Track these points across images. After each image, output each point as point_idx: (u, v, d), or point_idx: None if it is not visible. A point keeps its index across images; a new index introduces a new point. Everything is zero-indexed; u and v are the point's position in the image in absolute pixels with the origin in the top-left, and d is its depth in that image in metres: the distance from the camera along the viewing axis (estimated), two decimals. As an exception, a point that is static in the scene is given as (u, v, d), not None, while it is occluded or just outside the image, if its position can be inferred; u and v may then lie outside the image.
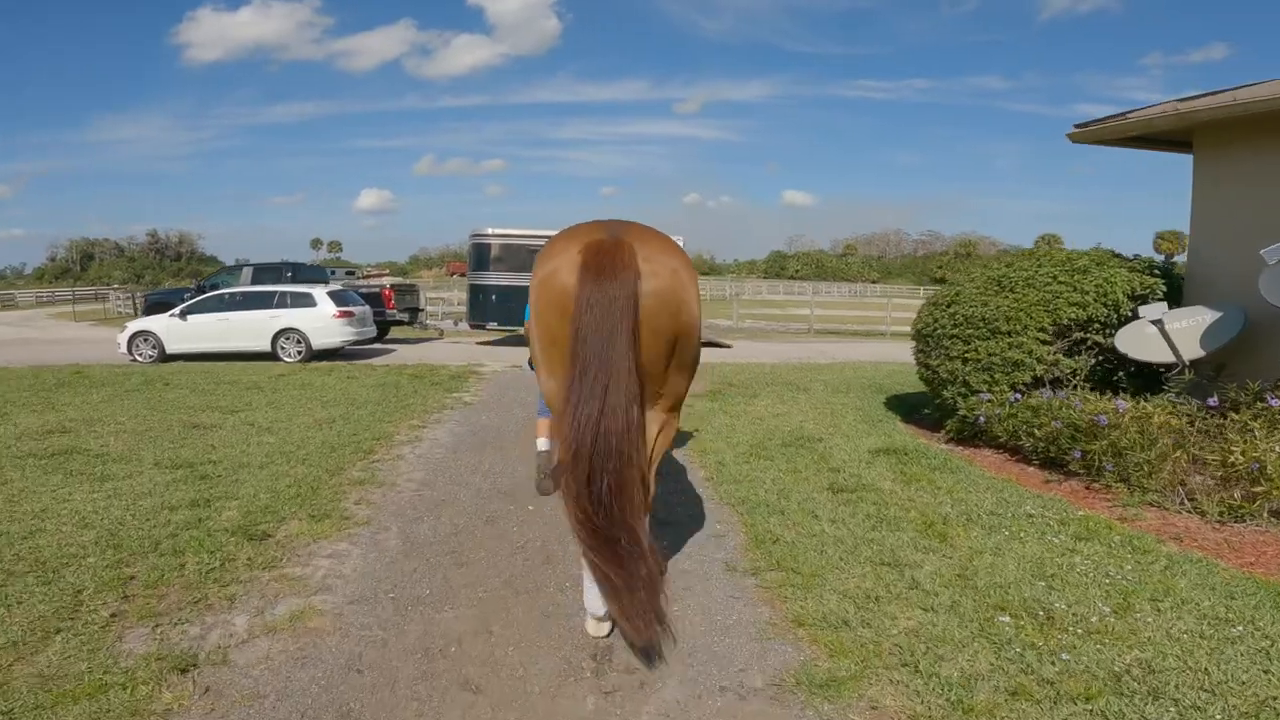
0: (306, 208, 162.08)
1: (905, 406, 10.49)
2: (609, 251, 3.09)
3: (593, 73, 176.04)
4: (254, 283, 18.08)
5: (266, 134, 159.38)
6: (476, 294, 18.36)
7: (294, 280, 18.32)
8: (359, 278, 25.09)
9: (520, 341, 18.89)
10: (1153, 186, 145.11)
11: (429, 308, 24.76)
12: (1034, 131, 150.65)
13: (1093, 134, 8.67)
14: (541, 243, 17.67)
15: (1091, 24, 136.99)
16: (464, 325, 19.42)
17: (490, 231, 18.13)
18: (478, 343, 19.50)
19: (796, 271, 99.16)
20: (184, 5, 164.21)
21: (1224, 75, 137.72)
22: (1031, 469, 7.01)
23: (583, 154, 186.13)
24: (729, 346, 19.01)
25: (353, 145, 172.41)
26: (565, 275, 3.14)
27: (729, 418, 9.45)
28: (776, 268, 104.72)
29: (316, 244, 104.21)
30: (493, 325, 18.40)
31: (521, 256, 18.00)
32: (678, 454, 7.54)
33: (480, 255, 18.19)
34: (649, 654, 3.39)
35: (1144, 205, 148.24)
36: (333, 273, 29.43)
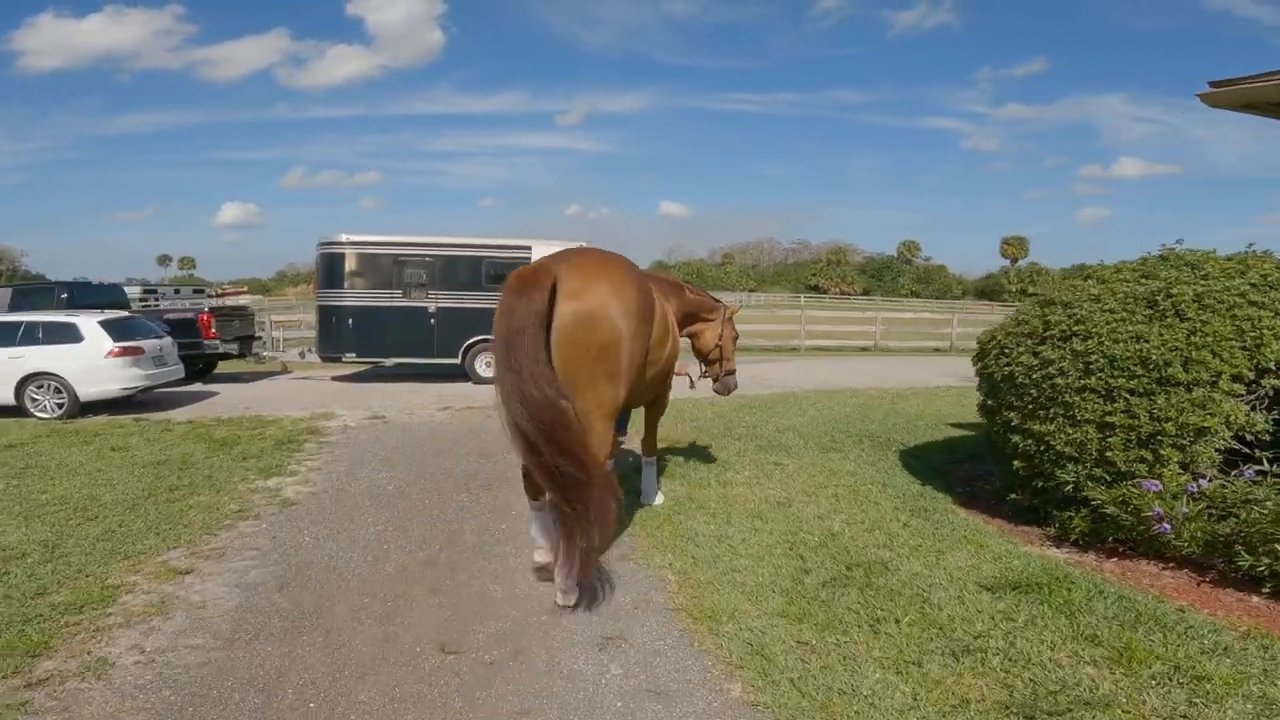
0: (157, 223, 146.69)
1: (930, 470, 7.40)
2: (527, 276, 3.90)
3: (473, 84, 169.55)
4: (13, 308, 13.03)
5: (113, 146, 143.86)
6: (328, 317, 14.06)
7: (72, 304, 13.35)
8: (210, 296, 19.98)
9: (384, 376, 14.69)
10: (996, 194, 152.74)
11: (279, 333, 19.95)
12: (887, 142, 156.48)
13: (1241, 94, 5.76)
14: (411, 251, 13.61)
15: (934, 40, 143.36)
16: (315, 355, 14.95)
17: (345, 239, 13.89)
18: (333, 378, 15.15)
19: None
20: (24, 11, 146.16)
21: (1043, 87, 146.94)
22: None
23: (462, 166, 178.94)
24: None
25: (214, 157, 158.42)
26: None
27: (707, 516, 5.97)
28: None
29: (164, 260, 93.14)
30: (350, 357, 14.13)
31: (385, 269, 13.87)
32: (661, 627, 3.92)
33: (331, 269, 13.92)
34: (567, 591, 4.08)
35: (987, 212, 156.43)
36: (176, 291, 24.00)
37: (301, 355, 14.85)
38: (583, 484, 3.73)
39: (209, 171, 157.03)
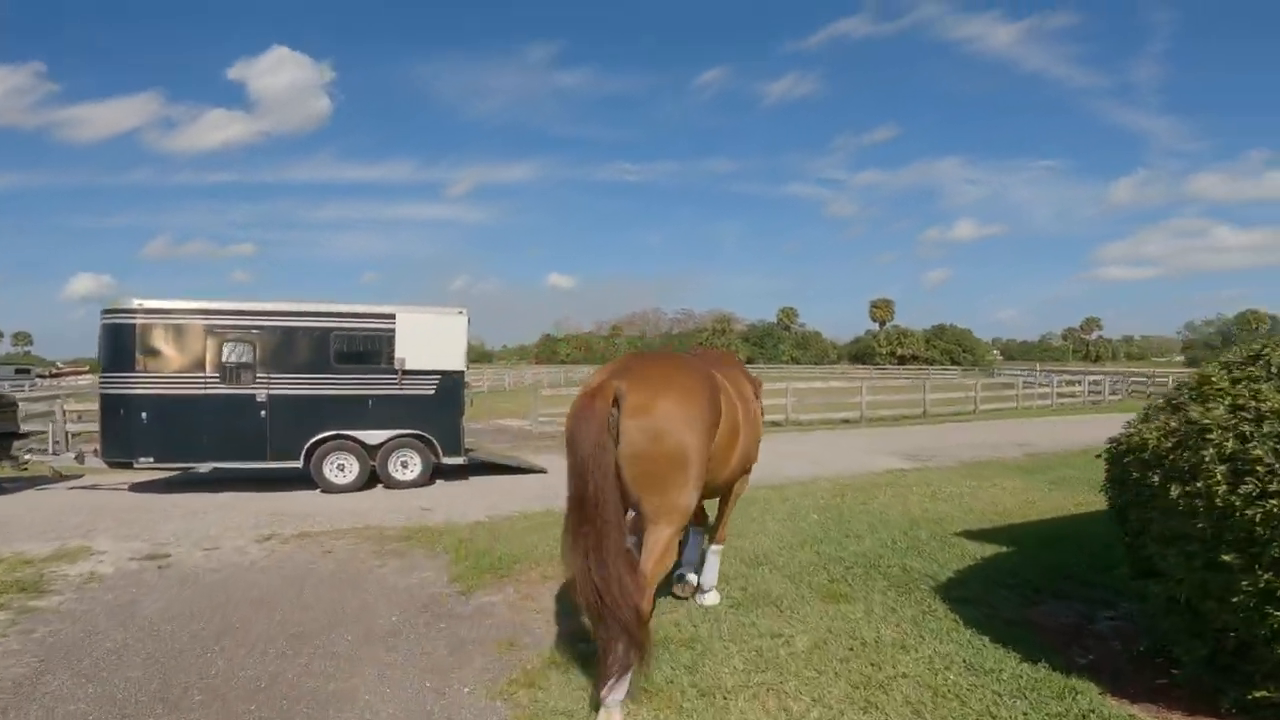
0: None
1: (1002, 622, 4.58)
2: (588, 396, 3.74)
3: (359, 152, 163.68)
4: None
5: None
6: (114, 409, 10.13)
7: None
8: (41, 377, 15.09)
9: (202, 484, 10.72)
10: (856, 258, 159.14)
11: (75, 425, 15.41)
12: (758, 209, 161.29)
13: None
14: (233, 321, 9.25)
15: (800, 109, 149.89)
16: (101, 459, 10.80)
17: (137, 305, 10.14)
18: (132, 486, 11.07)
19: (568, 355, 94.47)
20: None
21: (891, 153, 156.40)
22: None
23: (344, 238, 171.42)
24: (540, 471, 12.30)
25: (64, 223, 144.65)
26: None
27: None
28: (549, 351, 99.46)
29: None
30: (145, 461, 10.18)
31: (196, 345, 10.18)
32: None
33: (118, 345, 10.10)
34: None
35: (851, 277, 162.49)
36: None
37: (79, 458, 10.77)
38: (631, 633, 3.52)
39: (57, 240, 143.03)
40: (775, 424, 20.98)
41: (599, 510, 3.55)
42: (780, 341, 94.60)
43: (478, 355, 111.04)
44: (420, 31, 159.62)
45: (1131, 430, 4.00)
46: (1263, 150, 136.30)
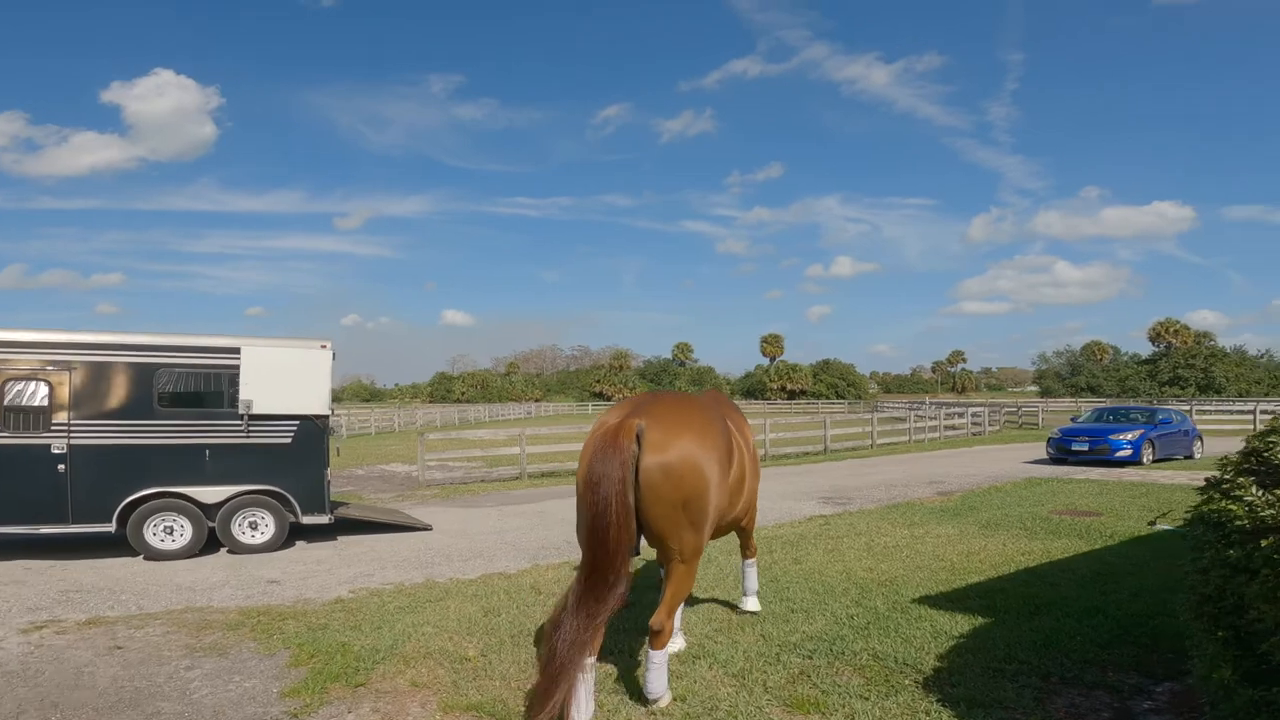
0: None
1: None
2: (610, 434, 3.70)
3: (243, 181, 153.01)
4: None
5: None
6: None
7: None
8: None
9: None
10: (747, 295, 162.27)
11: None
12: (653, 246, 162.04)
13: None
14: (23, 355, 7.64)
15: (695, 146, 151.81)
16: None
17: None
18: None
19: (463, 394, 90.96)
20: None
21: (778, 191, 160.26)
22: None
23: (225, 270, 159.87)
24: (424, 528, 10.43)
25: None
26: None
27: None
28: (443, 390, 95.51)
29: None
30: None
31: (27, 385, 7.87)
32: None
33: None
34: None
35: (742, 313, 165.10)
36: None
37: None
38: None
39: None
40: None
41: (618, 550, 3.51)
42: (676, 377, 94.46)
43: (369, 394, 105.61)
44: (316, 60, 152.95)
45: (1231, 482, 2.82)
46: (1097, 187, 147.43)
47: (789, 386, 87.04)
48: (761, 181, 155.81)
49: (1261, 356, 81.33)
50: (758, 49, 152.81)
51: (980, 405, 36.68)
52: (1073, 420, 21.76)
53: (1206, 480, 3.24)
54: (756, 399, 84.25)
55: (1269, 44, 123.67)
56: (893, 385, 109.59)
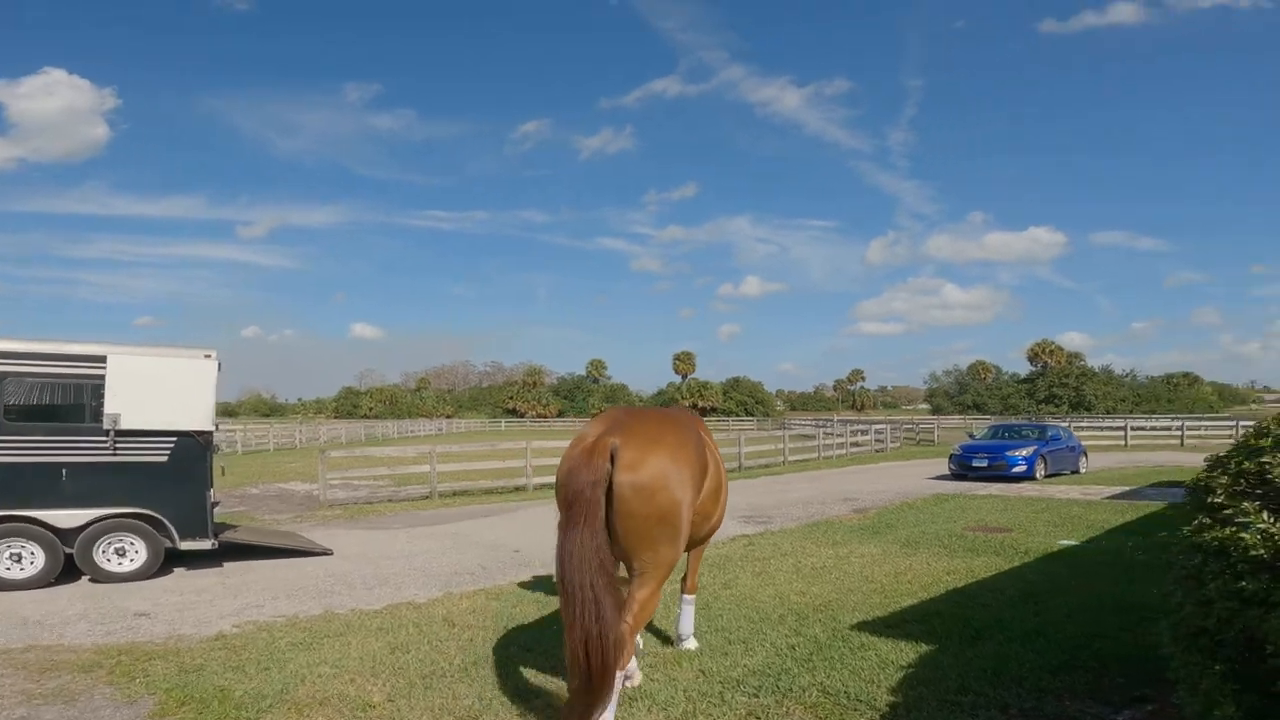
0: None
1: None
2: (587, 450, 3.72)
3: (137, 185, 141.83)
4: None
5: None
6: None
7: None
8: None
9: None
10: (661, 312, 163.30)
11: None
12: (569, 262, 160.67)
13: None
14: None
15: (614, 163, 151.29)
16: None
17: None
18: None
19: (371, 409, 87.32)
20: None
21: (693, 210, 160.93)
22: None
23: (113, 277, 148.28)
24: (325, 553, 9.48)
25: None
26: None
27: None
28: (349, 405, 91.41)
29: None
30: None
31: None
32: None
33: None
34: None
35: (656, 331, 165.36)
36: None
37: None
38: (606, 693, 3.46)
39: None
40: (596, 480, 19.17)
41: (589, 564, 3.49)
42: (589, 394, 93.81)
43: (268, 409, 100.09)
44: (227, 65, 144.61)
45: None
46: (983, 212, 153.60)
47: (700, 404, 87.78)
48: (677, 200, 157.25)
49: (1126, 376, 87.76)
50: (679, 69, 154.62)
51: (883, 423, 37.73)
52: (971, 437, 22.47)
53: (1190, 503, 3.00)
54: (621, 406, 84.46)
55: (1137, 76, 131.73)
56: (798, 403, 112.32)
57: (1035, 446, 18.80)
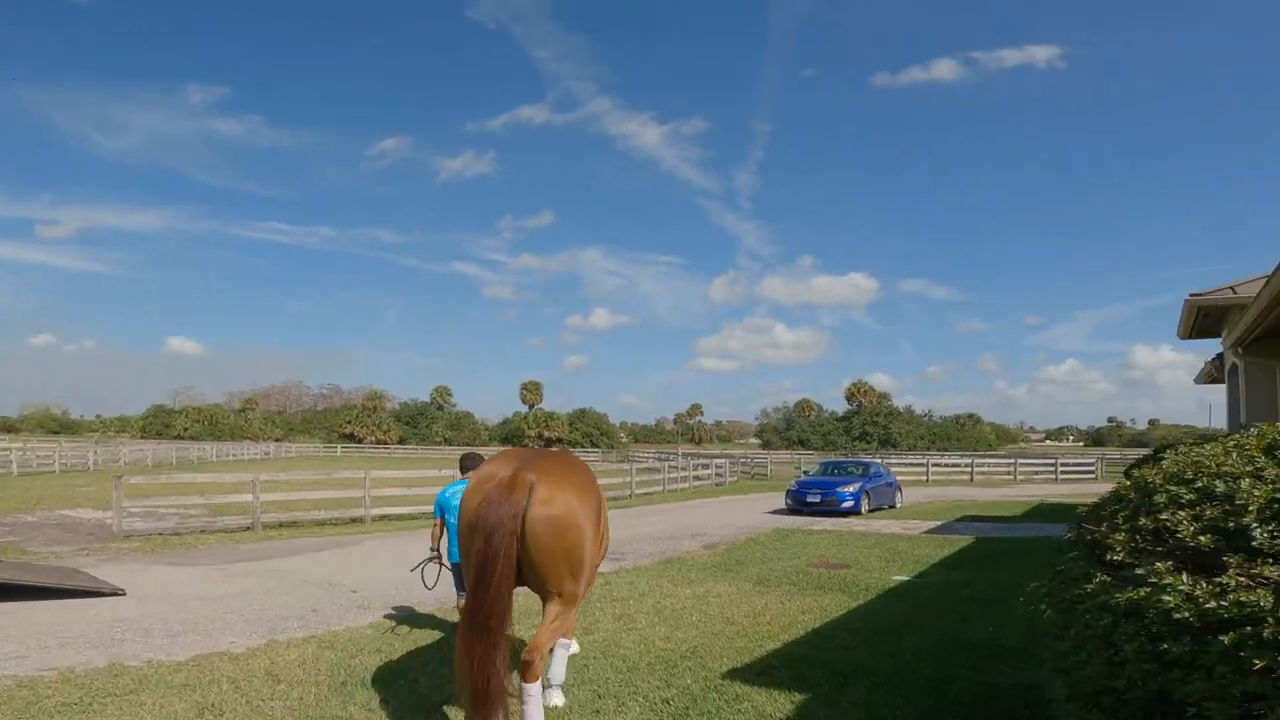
0: None
1: None
2: (505, 485, 3.85)
3: None
4: None
5: None
6: None
7: None
8: None
9: None
10: (509, 340, 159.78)
11: None
12: (418, 285, 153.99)
13: None
14: None
15: (471, 188, 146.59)
16: None
17: None
18: None
19: (186, 430, 78.44)
20: None
21: (547, 239, 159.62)
22: None
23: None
24: (115, 593, 7.99)
25: None
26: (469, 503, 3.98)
27: None
28: (160, 425, 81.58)
29: None
30: None
31: None
32: None
33: None
34: None
35: (504, 359, 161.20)
36: None
37: None
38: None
39: None
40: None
41: (500, 595, 3.63)
42: (434, 421, 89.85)
43: (58, 426, 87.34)
44: (46, 54, 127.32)
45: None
46: (812, 257, 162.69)
47: (546, 434, 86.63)
48: (532, 228, 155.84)
49: (925, 416, 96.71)
50: (548, 97, 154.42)
51: (722, 457, 38.83)
52: (805, 473, 23.48)
53: (1080, 558, 2.94)
54: (514, 445, 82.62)
55: (951, 129, 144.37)
56: (640, 435, 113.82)
57: (861, 483, 19.87)
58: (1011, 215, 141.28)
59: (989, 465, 39.90)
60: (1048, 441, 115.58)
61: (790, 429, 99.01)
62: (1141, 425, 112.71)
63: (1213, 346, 17.65)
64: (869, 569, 10.17)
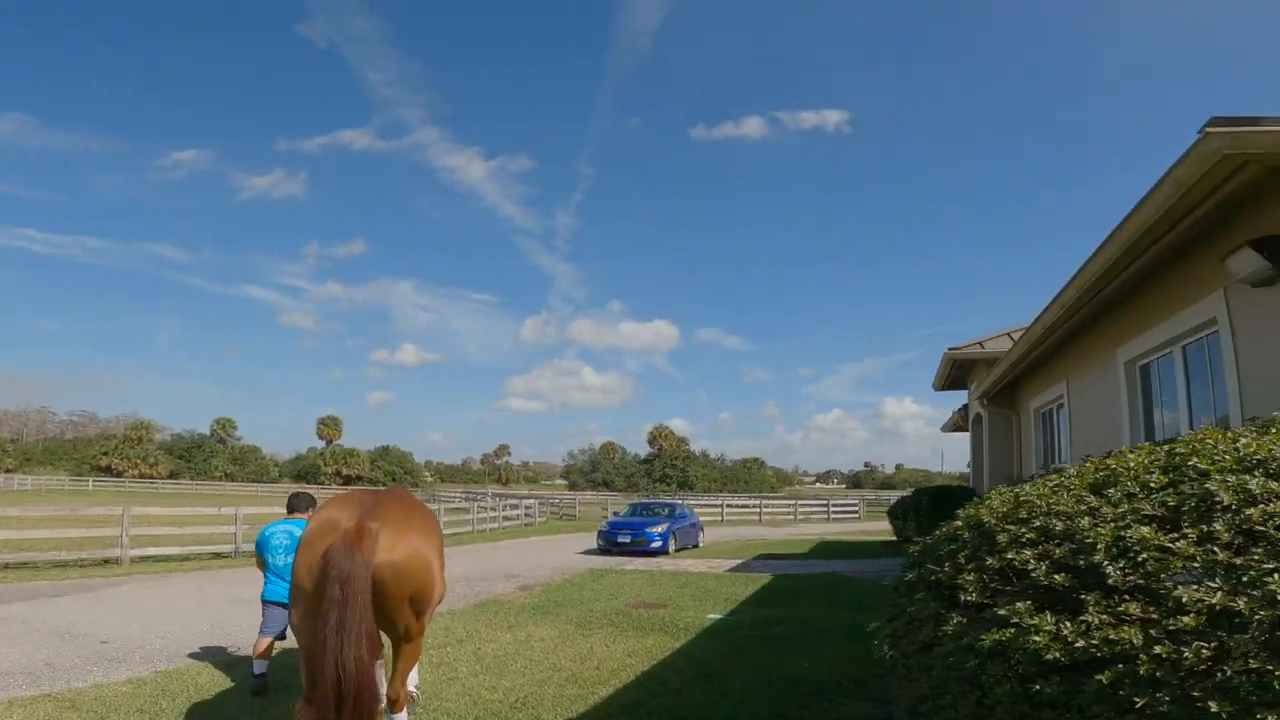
0: None
1: None
2: (353, 535, 3.72)
3: None
4: None
5: None
6: None
7: None
8: None
9: None
10: (308, 372, 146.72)
11: None
12: (203, 308, 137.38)
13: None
14: None
15: (277, 209, 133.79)
16: None
17: None
18: None
19: (-124, 456, 62.75)
20: None
21: (359, 268, 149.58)
22: None
23: None
24: None
25: None
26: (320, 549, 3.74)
27: None
28: None
29: None
30: None
31: None
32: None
33: None
34: None
35: (300, 390, 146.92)
36: None
37: None
38: None
39: None
40: (221, 556, 15.62)
41: (369, 642, 3.59)
42: (213, 455, 79.44)
43: None
44: None
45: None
46: (620, 302, 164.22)
47: (345, 471, 79.92)
48: (342, 256, 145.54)
49: (718, 459, 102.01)
50: (373, 122, 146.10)
51: (531, 498, 37.97)
52: (615, 515, 23.53)
53: (930, 599, 2.96)
54: (310, 483, 75.00)
55: (753, 182, 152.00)
56: (447, 474, 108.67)
57: (668, 524, 20.21)
58: (791, 270, 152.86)
59: (774, 506, 42.71)
60: (817, 484, 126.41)
61: (595, 470, 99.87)
62: (890, 469, 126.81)
63: (952, 398, 20.16)
64: (684, 608, 10.17)
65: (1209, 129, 4.08)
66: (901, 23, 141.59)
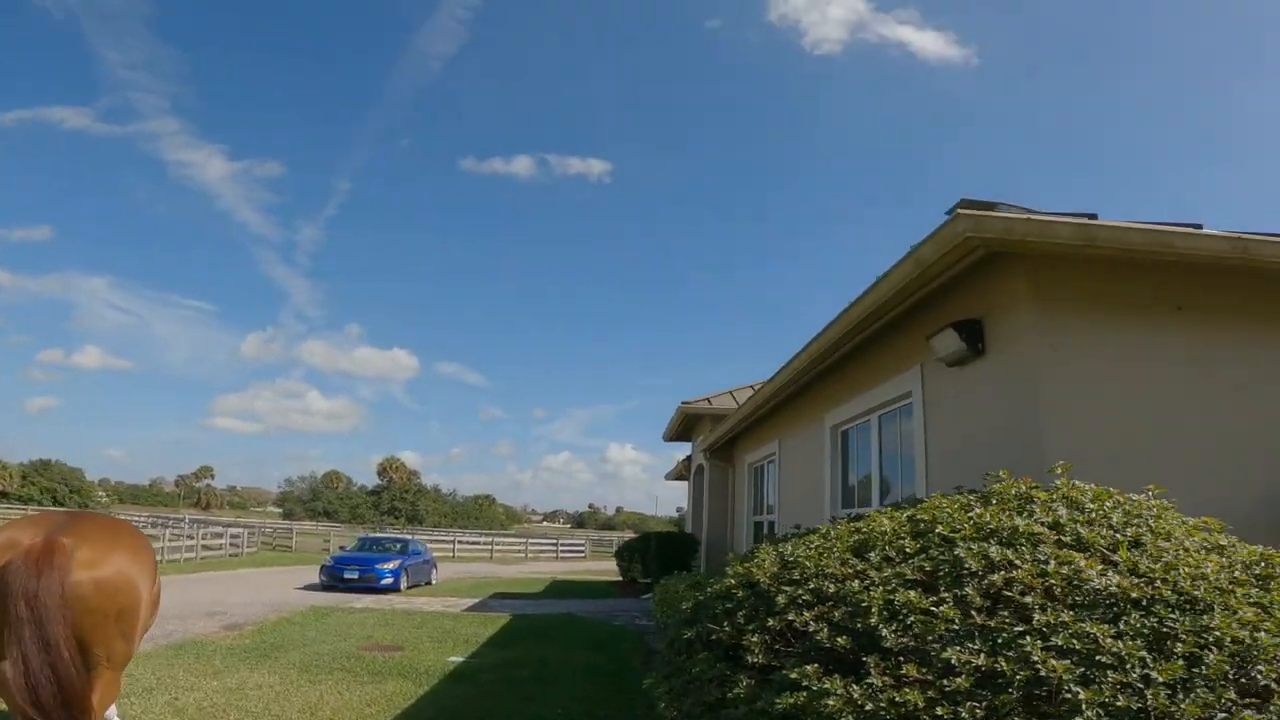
0: None
1: None
2: (39, 552, 3.32)
3: None
4: None
5: None
6: None
7: None
8: None
9: None
10: None
11: None
12: None
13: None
14: None
15: None
16: None
17: None
18: None
19: None
20: None
21: (39, 256, 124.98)
22: None
23: None
24: None
25: None
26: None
27: None
28: None
29: None
30: None
31: None
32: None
33: None
34: None
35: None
36: None
37: None
38: None
39: None
40: None
41: (72, 660, 3.27)
42: None
43: None
44: None
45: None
46: (360, 326, 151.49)
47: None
48: (18, 241, 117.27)
49: (450, 494, 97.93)
50: (98, 103, 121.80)
51: (239, 526, 33.01)
52: (343, 549, 21.39)
53: (713, 660, 2.95)
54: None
55: (511, 222, 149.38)
56: (129, 495, 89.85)
57: (400, 560, 18.81)
58: (536, 311, 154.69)
59: (506, 543, 41.94)
60: (545, 523, 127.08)
61: (316, 499, 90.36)
62: (611, 511, 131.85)
63: (671, 447, 21.40)
64: (423, 650, 9.43)
65: (960, 210, 4.21)
66: (664, 82, 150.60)
